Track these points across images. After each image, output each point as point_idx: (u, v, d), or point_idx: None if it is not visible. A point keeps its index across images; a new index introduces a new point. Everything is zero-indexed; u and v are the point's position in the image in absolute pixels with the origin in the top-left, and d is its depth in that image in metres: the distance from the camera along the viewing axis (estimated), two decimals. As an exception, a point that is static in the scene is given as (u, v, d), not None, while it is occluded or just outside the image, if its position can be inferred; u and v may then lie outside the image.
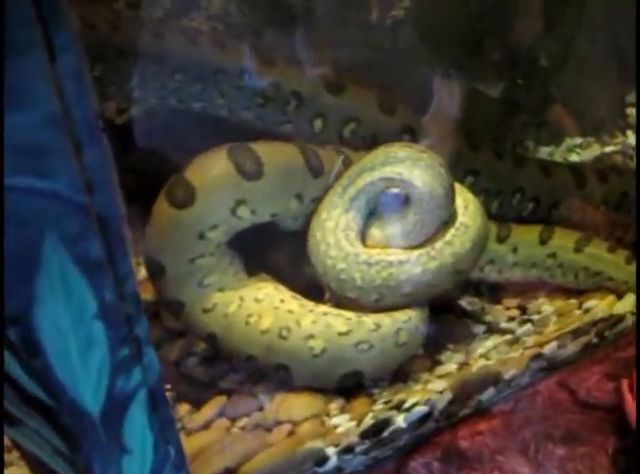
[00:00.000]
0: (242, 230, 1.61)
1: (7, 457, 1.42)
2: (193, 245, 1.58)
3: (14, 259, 0.77)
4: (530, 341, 1.72)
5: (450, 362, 1.70)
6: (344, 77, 1.79)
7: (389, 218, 1.64)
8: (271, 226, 1.64)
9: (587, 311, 1.81)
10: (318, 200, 1.66)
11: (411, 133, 1.81)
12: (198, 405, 1.63)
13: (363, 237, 1.65)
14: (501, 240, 1.86)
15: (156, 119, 1.71)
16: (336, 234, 1.62)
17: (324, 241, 1.62)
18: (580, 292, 1.88)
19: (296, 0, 1.80)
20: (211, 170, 1.56)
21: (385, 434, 1.49)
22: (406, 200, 1.62)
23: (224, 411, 1.61)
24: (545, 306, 1.87)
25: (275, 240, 1.71)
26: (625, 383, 1.61)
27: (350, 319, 1.58)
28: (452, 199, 1.63)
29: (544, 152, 2.39)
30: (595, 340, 1.71)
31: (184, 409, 1.62)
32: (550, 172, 2.05)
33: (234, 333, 1.61)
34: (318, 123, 1.77)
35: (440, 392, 1.56)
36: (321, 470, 1.45)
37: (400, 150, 1.64)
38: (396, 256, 1.60)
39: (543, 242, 1.87)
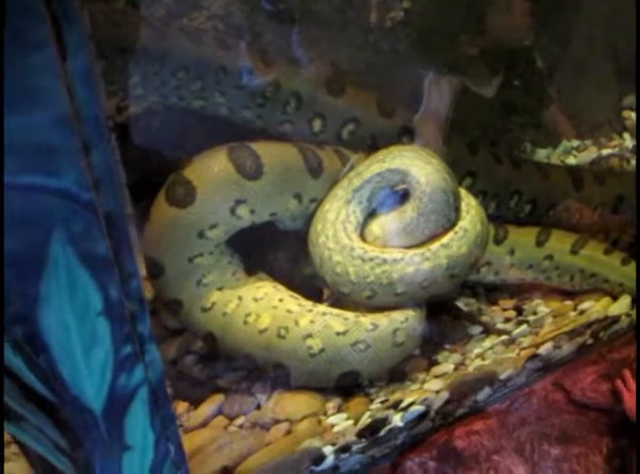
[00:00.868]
0: (241, 229, 1.62)
1: (4, 453, 1.42)
2: (192, 244, 1.59)
3: (21, 257, 0.77)
4: (526, 341, 1.73)
5: (447, 363, 1.71)
6: (343, 78, 1.80)
7: (389, 216, 1.65)
8: (269, 226, 1.65)
9: (582, 312, 1.82)
10: (317, 201, 1.67)
11: (409, 135, 1.81)
12: (195, 403, 1.63)
13: (363, 233, 1.66)
14: (498, 242, 1.87)
15: (156, 118, 1.72)
16: (335, 226, 1.63)
17: (324, 232, 1.63)
18: (575, 294, 1.90)
19: (296, 2, 1.80)
20: (212, 169, 1.57)
21: (382, 433, 1.50)
22: (407, 200, 1.63)
23: (222, 409, 1.62)
24: (541, 307, 1.89)
25: (273, 240, 1.71)
26: (619, 380, 1.62)
27: (347, 319, 1.59)
28: (455, 206, 1.64)
29: (541, 154, 2.40)
30: (590, 341, 1.73)
31: (181, 407, 1.63)
32: (548, 174, 2.06)
33: (232, 332, 1.62)
34: (317, 124, 1.77)
35: (437, 392, 1.57)
36: (318, 469, 1.45)
37: (411, 151, 1.66)
38: (390, 254, 1.60)
39: (540, 244, 1.89)
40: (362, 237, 1.65)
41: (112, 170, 0.79)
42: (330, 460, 1.46)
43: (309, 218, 1.68)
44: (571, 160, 2.45)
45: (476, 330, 1.82)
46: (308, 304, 1.63)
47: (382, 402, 1.58)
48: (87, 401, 0.93)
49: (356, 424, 1.52)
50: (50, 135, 0.71)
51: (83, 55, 0.70)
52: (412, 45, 1.91)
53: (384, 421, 1.50)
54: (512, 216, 1.99)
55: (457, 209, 1.65)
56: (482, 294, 1.93)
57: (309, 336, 1.56)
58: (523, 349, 1.69)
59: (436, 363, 1.71)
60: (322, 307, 1.63)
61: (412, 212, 1.62)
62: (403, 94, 1.84)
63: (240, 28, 1.77)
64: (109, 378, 0.93)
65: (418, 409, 1.52)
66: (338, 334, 1.57)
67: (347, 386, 1.61)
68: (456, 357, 1.72)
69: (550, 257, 1.88)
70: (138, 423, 1.01)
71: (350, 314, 1.60)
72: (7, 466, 1.40)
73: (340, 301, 1.65)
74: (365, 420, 1.52)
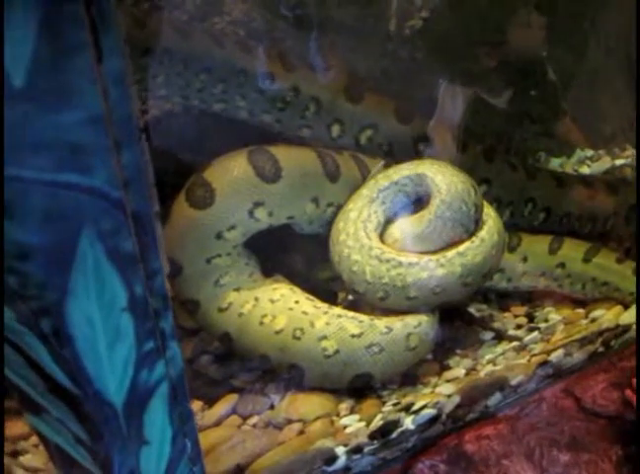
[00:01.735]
0: (259, 232, 1.63)
1: (22, 445, 1.45)
2: (210, 245, 1.61)
3: (51, 251, 0.79)
4: (537, 348, 1.74)
5: (459, 367, 1.72)
6: (362, 85, 1.81)
7: (410, 220, 1.66)
8: (287, 229, 1.67)
9: (593, 321, 1.83)
10: (334, 205, 1.69)
11: (426, 142, 1.83)
12: (210, 402, 1.65)
13: (383, 234, 1.68)
14: (511, 249, 1.89)
15: (176, 120, 1.74)
16: (356, 224, 1.65)
17: (345, 230, 1.65)
18: (587, 302, 1.91)
19: (316, 9, 1.82)
20: (231, 172, 1.59)
21: (393, 435, 1.51)
22: (429, 206, 1.65)
23: (236, 408, 1.64)
24: (552, 315, 1.90)
25: (290, 243, 1.73)
26: (629, 390, 1.63)
27: (362, 322, 1.60)
28: (475, 218, 1.66)
29: (556, 163, 2.42)
30: (600, 349, 1.73)
31: (196, 406, 1.64)
32: (562, 183, 2.08)
33: (248, 332, 1.64)
34: (335, 129, 1.79)
35: (448, 396, 1.58)
36: (330, 469, 1.46)
37: (442, 165, 1.69)
38: (407, 257, 1.62)
39: (553, 252, 1.90)
40: (382, 239, 1.67)
41: (141, 169, 0.81)
42: (342, 461, 1.47)
43: (326, 222, 1.69)
44: (585, 169, 2.46)
45: (488, 336, 1.83)
46: (324, 306, 1.65)
47: (394, 404, 1.59)
48: (109, 395, 0.94)
49: (368, 425, 1.53)
50: (85, 135, 0.73)
51: (118, 58, 0.72)
52: (429, 54, 1.93)
53: (396, 423, 1.51)
54: (525, 224, 2.01)
55: (477, 222, 1.66)
56: (494, 301, 1.94)
57: (324, 337, 1.58)
58: (534, 355, 1.70)
59: (447, 368, 1.72)
60: (337, 309, 1.65)
61: (431, 219, 1.64)
62: (420, 101, 1.86)
63: (260, 33, 1.79)
64: (131, 373, 0.94)
65: (429, 412, 1.53)
66: (353, 336, 1.58)
67: (360, 388, 1.63)
68: (468, 363, 1.73)
69: (562, 265, 1.89)
70: (157, 418, 1.02)
71: (364, 317, 1.62)
72: (26, 458, 1.42)
73: (354, 304, 1.67)
74: (377, 422, 1.53)
